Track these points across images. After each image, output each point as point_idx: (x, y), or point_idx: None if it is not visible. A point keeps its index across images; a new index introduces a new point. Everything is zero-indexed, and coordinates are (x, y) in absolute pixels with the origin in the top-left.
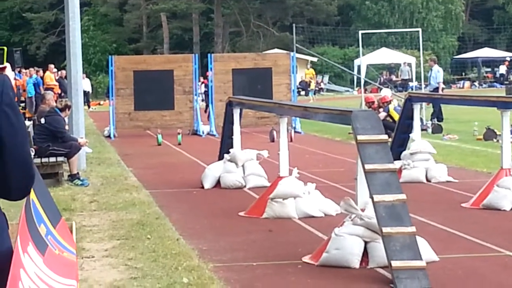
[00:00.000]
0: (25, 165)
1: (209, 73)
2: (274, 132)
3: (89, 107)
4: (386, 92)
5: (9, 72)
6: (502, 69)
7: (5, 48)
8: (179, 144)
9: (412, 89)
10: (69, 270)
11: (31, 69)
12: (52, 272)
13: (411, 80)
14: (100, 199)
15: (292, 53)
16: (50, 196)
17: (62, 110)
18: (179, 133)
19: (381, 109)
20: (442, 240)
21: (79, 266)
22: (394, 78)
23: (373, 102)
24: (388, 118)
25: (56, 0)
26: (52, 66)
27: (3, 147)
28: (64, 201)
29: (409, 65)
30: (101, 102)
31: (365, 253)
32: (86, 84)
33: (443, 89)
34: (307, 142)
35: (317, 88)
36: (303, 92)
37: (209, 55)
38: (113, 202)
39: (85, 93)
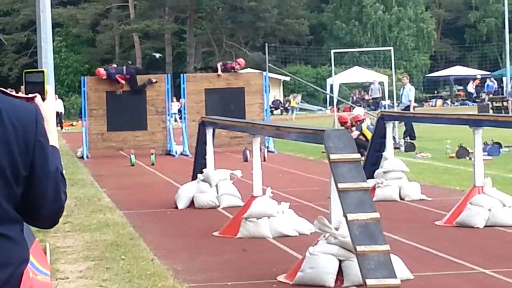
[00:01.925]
0: (56, 195)
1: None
2: (248, 152)
3: (61, 128)
4: (359, 111)
5: (54, 118)
6: (470, 87)
7: (45, 71)
8: (152, 164)
9: (384, 108)
10: None
11: (10, 90)
12: None
13: (382, 98)
14: (74, 220)
15: (264, 73)
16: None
17: None
18: (152, 154)
19: (354, 128)
20: (416, 258)
21: None
22: (366, 96)
23: (346, 122)
24: (361, 137)
25: (28, 22)
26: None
27: (36, 176)
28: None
29: (381, 83)
30: (74, 123)
31: (340, 271)
32: (58, 105)
33: (414, 107)
34: (280, 162)
35: (289, 108)
36: (276, 111)
37: (181, 75)
38: (87, 223)
39: (58, 114)
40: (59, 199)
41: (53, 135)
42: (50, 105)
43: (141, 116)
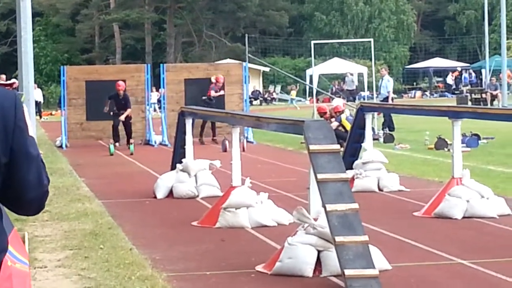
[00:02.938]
0: (39, 178)
1: (161, 91)
2: (227, 142)
3: (40, 117)
4: (338, 102)
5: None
6: (449, 79)
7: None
8: (131, 154)
9: (363, 99)
10: (22, 281)
11: None
12: None
13: (357, 90)
14: (52, 209)
15: (244, 63)
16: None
17: None
18: (131, 143)
19: (333, 119)
20: (394, 249)
21: (32, 277)
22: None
23: (325, 112)
24: (340, 128)
25: (8, 10)
26: (3, 76)
27: (17, 161)
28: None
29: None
30: (53, 112)
31: (318, 262)
32: (37, 94)
33: (392, 98)
34: (259, 152)
35: (269, 98)
36: (255, 102)
37: (161, 65)
38: (66, 212)
39: (37, 103)
40: (43, 183)
41: (30, 125)
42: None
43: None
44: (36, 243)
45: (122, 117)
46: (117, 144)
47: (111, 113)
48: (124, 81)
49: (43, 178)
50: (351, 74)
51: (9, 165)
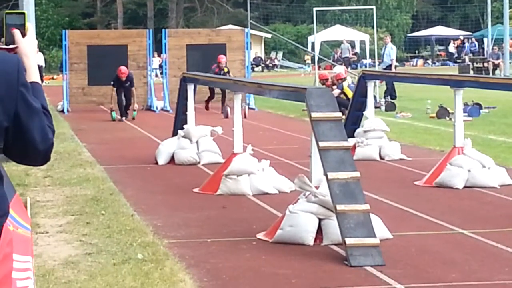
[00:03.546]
0: (43, 138)
1: (163, 56)
2: (228, 109)
3: (42, 81)
4: (340, 70)
5: (34, 53)
6: (452, 47)
7: (26, 12)
8: (133, 119)
9: (365, 67)
10: (24, 247)
11: None
12: None
13: (349, 58)
14: (54, 175)
15: (246, 30)
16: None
17: None
18: (134, 110)
19: (335, 87)
20: (395, 218)
21: (34, 242)
22: (348, 54)
23: (327, 79)
24: (342, 96)
25: None
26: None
27: (22, 124)
28: (17, 176)
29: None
30: (55, 77)
31: (319, 230)
32: (39, 58)
33: (396, 66)
34: (261, 119)
35: (270, 65)
36: (257, 68)
37: (163, 30)
38: (67, 177)
39: (39, 68)
40: (47, 138)
41: (34, 71)
42: (30, 41)
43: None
44: (38, 208)
45: (135, 106)
46: (123, 118)
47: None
48: (126, 66)
49: (47, 134)
50: (347, 41)
51: (15, 123)
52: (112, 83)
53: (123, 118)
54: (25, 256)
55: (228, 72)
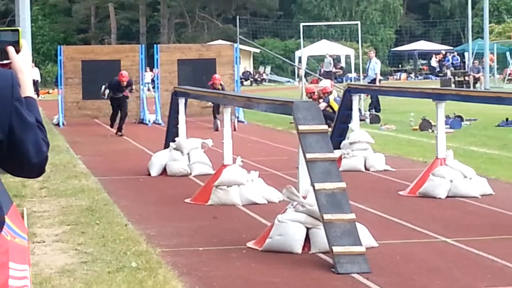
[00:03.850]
0: (37, 151)
1: (155, 71)
2: (218, 122)
3: (38, 95)
4: (326, 83)
5: (29, 69)
6: (434, 62)
7: (20, 29)
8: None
9: (350, 80)
10: (22, 256)
11: None
12: None
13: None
14: (50, 186)
15: (235, 45)
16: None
17: None
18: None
19: (321, 100)
20: (380, 227)
21: (31, 251)
22: (333, 69)
23: (313, 93)
24: (328, 109)
25: None
26: None
27: (15, 138)
28: (14, 187)
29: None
30: (50, 91)
31: (307, 239)
32: (35, 73)
33: (380, 80)
34: (250, 132)
35: (259, 79)
36: (246, 82)
37: (155, 45)
38: (63, 188)
39: (34, 82)
40: (41, 152)
41: (29, 86)
42: (24, 57)
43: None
44: (35, 219)
45: (127, 93)
46: (121, 132)
47: (107, 95)
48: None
49: (41, 147)
50: (331, 56)
51: (9, 138)
52: (107, 84)
53: (119, 133)
54: (22, 265)
55: (223, 89)
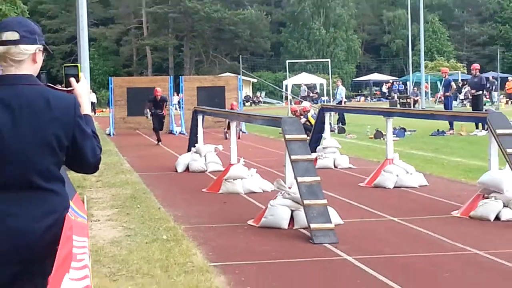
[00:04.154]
0: (93, 154)
1: (180, 95)
2: (227, 134)
3: (95, 113)
4: (306, 104)
5: (87, 94)
6: (384, 88)
7: (79, 65)
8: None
9: (323, 102)
10: (82, 231)
11: (57, 85)
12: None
13: (307, 97)
14: (103, 179)
15: (239, 76)
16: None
17: None
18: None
19: (302, 116)
20: (345, 209)
21: (89, 228)
22: (311, 94)
23: (296, 111)
24: (307, 123)
25: (71, 37)
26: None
27: (77, 145)
28: (77, 180)
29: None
30: (104, 110)
31: (292, 218)
32: (92, 97)
33: (345, 102)
34: (250, 139)
35: (256, 101)
36: (247, 104)
37: (180, 77)
38: (113, 181)
39: (92, 103)
40: (96, 154)
41: (87, 106)
42: (82, 86)
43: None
44: (92, 204)
45: (164, 112)
46: (159, 143)
47: (150, 115)
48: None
49: (96, 151)
50: (306, 85)
51: (73, 144)
52: (148, 99)
53: (159, 142)
54: (82, 238)
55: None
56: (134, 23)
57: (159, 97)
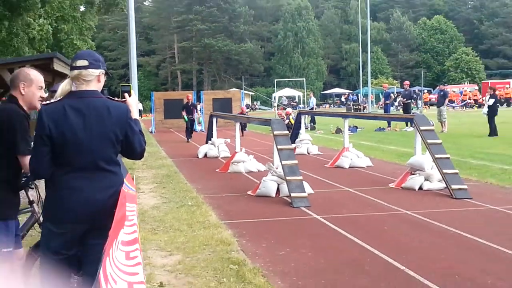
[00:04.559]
0: (140, 146)
1: (199, 105)
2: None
3: (141, 117)
4: (289, 110)
5: (136, 104)
6: (343, 98)
7: (131, 84)
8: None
9: (301, 108)
10: (132, 199)
11: (115, 98)
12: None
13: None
14: (147, 163)
15: (241, 91)
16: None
17: None
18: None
19: (285, 118)
20: (315, 183)
21: (137, 197)
22: (292, 102)
23: (281, 115)
24: (289, 123)
25: (125, 63)
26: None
27: (129, 139)
28: (129, 164)
29: (299, 96)
30: (148, 115)
31: (278, 189)
32: (140, 106)
33: (315, 108)
34: (250, 135)
35: (254, 108)
36: (247, 110)
37: (201, 91)
38: (154, 164)
39: (140, 110)
40: (142, 146)
41: (136, 112)
42: (133, 98)
43: (181, 111)
44: (139, 180)
45: (195, 116)
46: (189, 140)
47: (186, 116)
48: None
49: (142, 143)
50: (286, 97)
51: (125, 139)
52: (182, 107)
53: (189, 139)
54: (132, 204)
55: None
56: (168, 54)
57: (190, 101)
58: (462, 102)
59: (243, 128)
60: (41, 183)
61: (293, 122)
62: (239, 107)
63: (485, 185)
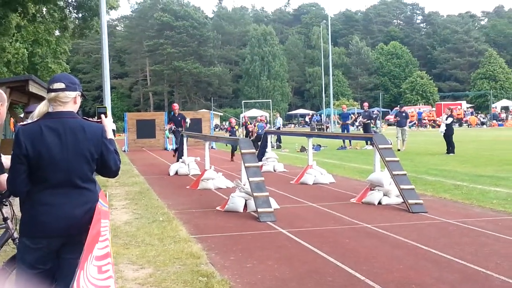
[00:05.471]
0: (115, 164)
1: (184, 123)
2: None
3: (115, 136)
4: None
5: (111, 125)
6: (307, 118)
7: (107, 106)
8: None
9: (268, 128)
10: (106, 215)
11: (90, 118)
12: None
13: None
14: (120, 181)
15: (211, 111)
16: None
17: None
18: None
19: (255, 125)
20: (281, 199)
21: (110, 213)
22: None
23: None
24: (253, 130)
25: (99, 86)
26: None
27: (104, 157)
28: (101, 181)
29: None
30: (120, 134)
31: (246, 205)
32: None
33: (281, 128)
34: (218, 153)
35: (222, 128)
36: (217, 129)
37: (171, 112)
38: (127, 182)
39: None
40: (117, 164)
41: (110, 132)
42: (109, 119)
43: (153, 131)
44: (112, 197)
45: (184, 128)
46: (180, 159)
47: (172, 131)
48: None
49: (117, 162)
50: (256, 119)
51: (101, 157)
52: (169, 118)
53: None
54: (105, 220)
55: (237, 130)
56: (141, 76)
57: (177, 112)
58: (419, 122)
59: (233, 150)
60: (15, 200)
61: (256, 129)
62: (208, 127)
63: (439, 200)
